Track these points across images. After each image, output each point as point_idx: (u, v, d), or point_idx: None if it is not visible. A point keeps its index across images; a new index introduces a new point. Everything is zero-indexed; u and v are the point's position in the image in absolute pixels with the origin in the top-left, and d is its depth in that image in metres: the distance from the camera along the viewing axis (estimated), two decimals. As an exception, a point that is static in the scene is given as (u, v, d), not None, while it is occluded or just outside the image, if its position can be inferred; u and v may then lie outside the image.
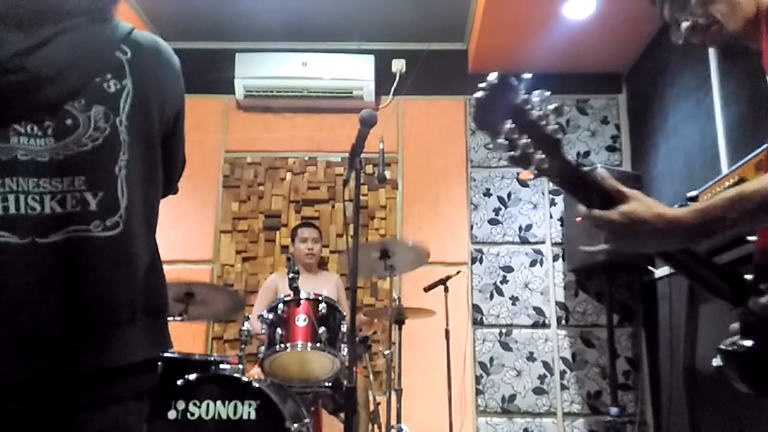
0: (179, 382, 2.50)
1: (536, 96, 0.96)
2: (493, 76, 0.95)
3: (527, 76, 0.96)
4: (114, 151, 1.03)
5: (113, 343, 1.01)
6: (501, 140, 0.95)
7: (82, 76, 1.04)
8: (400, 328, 3.32)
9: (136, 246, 1.05)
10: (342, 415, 2.95)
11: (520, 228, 4.25)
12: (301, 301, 2.81)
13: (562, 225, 4.22)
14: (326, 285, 3.63)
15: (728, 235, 0.98)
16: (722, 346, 1.07)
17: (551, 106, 0.97)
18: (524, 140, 0.94)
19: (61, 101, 1.01)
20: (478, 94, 0.95)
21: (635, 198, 0.98)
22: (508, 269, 4.19)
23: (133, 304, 1.03)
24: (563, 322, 4.10)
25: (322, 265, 3.96)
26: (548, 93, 0.96)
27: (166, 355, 2.75)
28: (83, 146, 1.01)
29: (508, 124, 0.94)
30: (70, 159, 1.00)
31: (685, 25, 1.18)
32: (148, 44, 1.14)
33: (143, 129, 1.08)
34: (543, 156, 0.95)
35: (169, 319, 2.83)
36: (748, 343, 1.04)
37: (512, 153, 0.95)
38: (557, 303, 4.13)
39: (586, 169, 1.03)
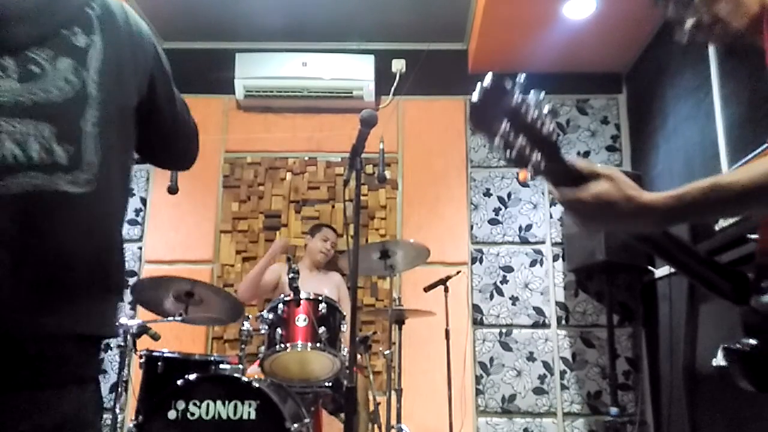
0: (179, 382, 2.50)
1: (532, 97, 0.94)
2: (487, 79, 0.94)
3: (522, 77, 0.94)
4: (84, 106, 0.96)
5: (66, 306, 0.91)
6: (497, 141, 0.94)
7: (48, 24, 0.98)
8: (400, 328, 3.33)
9: (110, 208, 0.99)
10: (342, 415, 2.95)
11: (520, 228, 4.25)
12: (301, 301, 2.81)
13: (562, 225, 4.22)
14: (328, 284, 3.64)
15: (704, 222, 0.99)
16: (726, 345, 1.07)
17: (547, 107, 0.95)
18: (520, 141, 0.93)
19: (23, 44, 0.94)
20: (474, 98, 0.94)
21: (609, 177, 0.95)
22: (508, 269, 4.19)
23: (104, 270, 0.96)
24: (563, 322, 4.10)
25: (328, 264, 3.95)
26: (544, 93, 0.96)
27: (166, 354, 2.76)
28: (51, 94, 0.94)
29: (504, 125, 0.93)
30: (38, 105, 0.92)
31: (689, 23, 1.17)
32: (116, 7, 1.10)
33: (116, 89, 1.02)
34: (540, 157, 0.94)
35: (169, 318, 2.87)
36: (752, 341, 1.04)
37: (509, 154, 0.94)
38: (557, 303, 4.13)
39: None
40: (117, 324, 1.05)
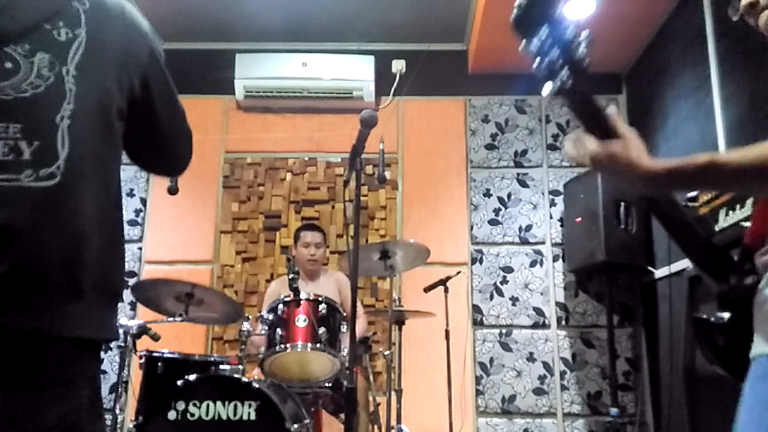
0: (179, 383, 2.50)
1: (575, 18, 0.98)
2: None
3: None
4: (57, 100, 0.96)
5: (44, 307, 0.90)
6: (534, 44, 0.96)
7: (29, 18, 0.97)
8: (400, 329, 3.33)
9: (78, 203, 0.96)
10: (342, 415, 2.95)
11: (520, 228, 4.25)
12: (301, 302, 2.80)
13: (562, 225, 4.22)
14: (326, 288, 3.57)
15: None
16: (696, 315, 1.10)
17: (586, 33, 0.99)
18: (554, 53, 0.96)
19: (0, 41, 0.94)
20: None
21: (624, 139, 1.02)
22: (508, 270, 4.19)
23: (73, 268, 0.94)
24: (563, 322, 4.10)
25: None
26: (584, 20, 0.98)
27: (166, 355, 2.76)
28: (22, 92, 0.94)
29: (544, 31, 0.96)
30: (6, 104, 0.93)
31: (744, 1, 1.17)
32: (113, 2, 1.09)
33: (95, 83, 1.01)
34: (568, 76, 0.97)
35: (169, 319, 2.87)
36: (726, 315, 1.07)
37: (540, 62, 0.97)
38: (557, 303, 4.13)
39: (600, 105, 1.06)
40: (101, 325, 0.98)
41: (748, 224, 1.17)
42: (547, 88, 0.98)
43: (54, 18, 0.99)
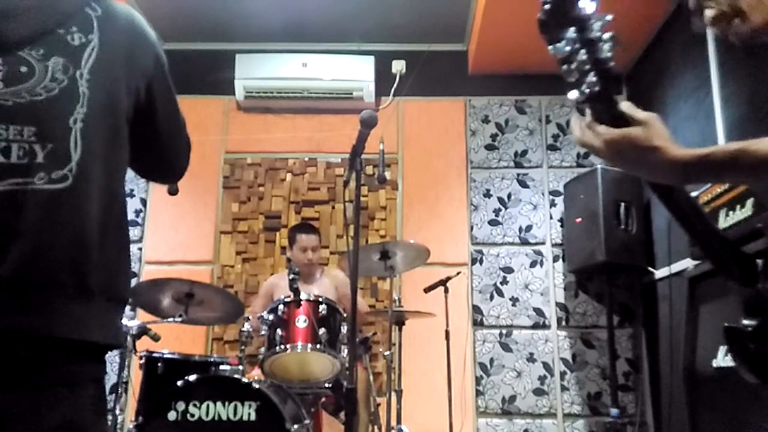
0: (179, 383, 2.50)
1: (600, 17, 0.93)
2: None
3: None
4: (70, 103, 0.97)
5: (50, 308, 0.90)
6: (560, 47, 0.92)
7: (43, 22, 0.98)
8: (400, 329, 3.33)
9: (87, 205, 0.97)
10: (342, 416, 2.95)
11: (520, 229, 4.25)
12: (302, 302, 2.80)
13: (562, 226, 4.22)
14: (322, 288, 3.55)
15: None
16: (728, 324, 1.07)
17: (610, 33, 0.93)
18: (583, 55, 0.91)
19: (15, 45, 0.95)
20: None
21: (645, 124, 0.96)
22: (508, 270, 4.19)
23: (79, 270, 0.94)
24: (563, 323, 4.10)
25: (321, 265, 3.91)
26: (610, 17, 0.94)
27: (166, 356, 2.76)
28: (36, 95, 0.95)
29: (571, 32, 0.91)
30: (21, 107, 0.93)
31: (709, 13, 1.16)
32: (122, 10, 1.11)
33: (107, 86, 1.03)
34: (596, 79, 0.92)
35: (169, 320, 2.87)
36: (753, 322, 1.04)
37: (567, 67, 0.92)
38: (557, 304, 4.13)
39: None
40: (107, 328, 1.00)
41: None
42: (574, 94, 0.93)
43: (67, 23, 1.01)
